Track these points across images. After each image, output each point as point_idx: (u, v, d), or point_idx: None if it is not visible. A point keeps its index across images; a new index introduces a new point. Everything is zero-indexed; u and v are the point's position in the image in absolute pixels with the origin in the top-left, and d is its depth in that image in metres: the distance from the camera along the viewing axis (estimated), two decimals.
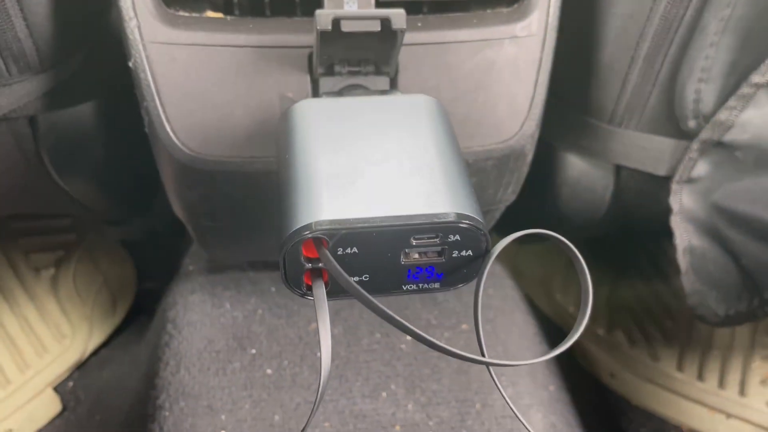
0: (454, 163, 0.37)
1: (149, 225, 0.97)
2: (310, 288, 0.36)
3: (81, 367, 0.91)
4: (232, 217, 0.55)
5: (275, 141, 0.41)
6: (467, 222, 0.34)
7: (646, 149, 0.64)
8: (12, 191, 0.62)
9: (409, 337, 0.72)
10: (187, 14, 0.48)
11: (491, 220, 0.64)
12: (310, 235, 0.33)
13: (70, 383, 0.89)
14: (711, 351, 0.97)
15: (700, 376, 0.95)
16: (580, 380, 0.89)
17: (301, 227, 0.33)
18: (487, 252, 0.36)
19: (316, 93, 0.49)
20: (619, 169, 0.68)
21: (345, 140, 0.38)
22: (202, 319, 0.71)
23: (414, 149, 0.38)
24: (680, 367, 0.96)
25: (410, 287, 0.37)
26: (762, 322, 0.99)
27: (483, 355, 0.34)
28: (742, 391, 0.94)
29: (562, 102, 0.65)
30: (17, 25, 0.51)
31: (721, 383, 0.94)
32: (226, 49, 0.47)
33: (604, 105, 0.63)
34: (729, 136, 0.59)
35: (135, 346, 0.87)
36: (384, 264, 0.35)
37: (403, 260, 0.35)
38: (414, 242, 0.34)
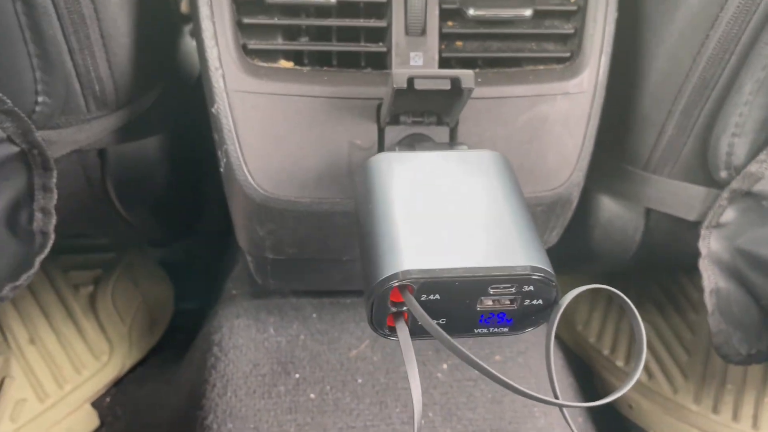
0: (524, 217, 0.41)
1: (188, 247, 1.00)
2: (391, 329, 0.39)
3: (118, 383, 0.93)
4: (294, 251, 0.59)
5: (354, 190, 0.45)
6: (541, 274, 0.37)
7: (678, 195, 0.67)
8: (73, 214, 0.66)
9: (445, 366, 0.75)
10: (264, 64, 0.52)
11: None
12: (398, 283, 0.36)
13: (108, 399, 0.92)
14: (725, 385, 1.00)
15: (715, 409, 0.98)
16: (600, 411, 0.91)
17: (390, 275, 0.37)
18: (556, 302, 0.39)
19: (382, 141, 0.52)
20: (649, 212, 0.72)
21: (423, 193, 0.41)
22: (247, 343, 0.74)
23: (487, 202, 0.41)
24: (697, 401, 0.98)
25: (481, 330, 0.40)
26: None
27: (556, 398, 0.38)
28: (755, 425, 0.96)
29: (599, 147, 0.69)
30: (101, 66, 0.55)
31: (735, 416, 0.97)
32: (301, 99, 0.51)
33: (639, 152, 0.66)
34: (758, 187, 0.63)
35: (172, 365, 0.90)
36: (461, 309, 0.39)
37: (478, 307, 0.39)
38: (491, 291, 0.38)
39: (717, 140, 0.61)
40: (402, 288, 0.37)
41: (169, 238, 0.87)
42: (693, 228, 0.70)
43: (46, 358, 0.93)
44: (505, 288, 0.38)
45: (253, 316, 0.76)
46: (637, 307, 1.09)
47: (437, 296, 0.37)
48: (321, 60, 0.54)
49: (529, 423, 0.70)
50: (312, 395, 0.70)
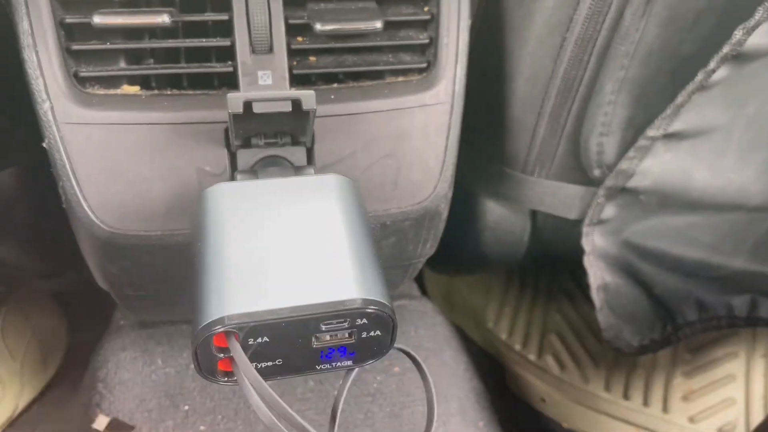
0: (362, 246, 0.39)
1: (81, 277, 0.95)
2: (225, 374, 0.37)
3: (12, 424, 0.88)
4: (155, 286, 0.56)
5: (191, 225, 0.42)
6: (373, 307, 0.36)
7: (557, 195, 0.67)
8: None
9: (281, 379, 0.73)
10: (102, 92, 0.49)
11: (414, 271, 0.66)
12: (220, 330, 0.34)
13: None
14: (636, 370, 1.02)
15: (626, 395, 1.00)
16: (512, 407, 0.92)
17: (211, 321, 0.34)
18: (395, 328, 0.38)
19: (234, 165, 0.50)
20: (535, 213, 0.72)
21: (256, 227, 0.39)
22: (134, 378, 0.71)
23: (324, 234, 0.39)
24: (608, 388, 1.00)
25: (324, 366, 0.39)
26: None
27: None
28: (665, 408, 0.99)
29: (481, 153, 0.69)
30: None
31: (646, 401, 0.99)
32: (141, 127, 0.48)
33: (516, 156, 0.66)
34: (632, 183, 0.63)
35: (68, 402, 0.85)
36: (296, 348, 0.37)
37: (314, 344, 0.37)
38: (324, 327, 0.36)
39: (587, 140, 0.61)
40: (227, 334, 0.35)
41: (49, 269, 0.83)
42: (578, 224, 0.70)
43: None
44: (338, 323, 0.36)
45: (141, 348, 0.73)
46: (547, 298, 1.11)
47: (266, 339, 0.35)
48: (171, 82, 0.51)
49: None
50: (202, 427, 0.68)
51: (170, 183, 0.49)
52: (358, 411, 0.71)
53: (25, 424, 0.88)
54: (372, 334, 0.37)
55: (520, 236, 0.73)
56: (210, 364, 0.36)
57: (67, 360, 0.94)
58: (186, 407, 0.69)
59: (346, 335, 0.37)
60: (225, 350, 0.35)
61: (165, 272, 0.54)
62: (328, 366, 0.39)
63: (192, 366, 0.73)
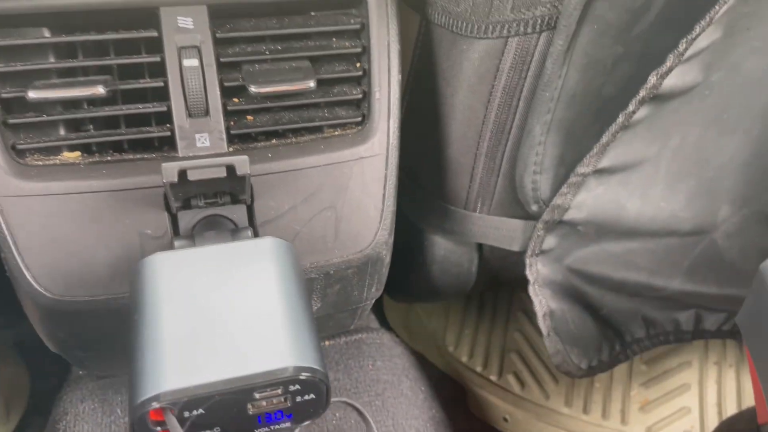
0: (296, 311, 0.41)
1: None
2: None
3: None
4: (104, 345, 0.57)
5: (129, 294, 0.44)
6: (305, 374, 0.38)
7: (499, 229, 0.70)
8: None
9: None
10: (41, 162, 0.50)
11: (364, 312, 0.68)
12: (155, 406, 0.36)
13: None
14: (594, 384, 1.05)
15: (586, 410, 1.03)
16: (474, 427, 0.94)
17: (147, 399, 0.36)
18: (328, 391, 0.40)
19: (176, 227, 0.51)
20: (481, 245, 0.75)
21: (192, 298, 0.41)
22: (94, 429, 0.71)
23: (258, 301, 0.41)
24: (568, 403, 1.03)
25: (263, 430, 0.40)
26: None
27: None
28: (624, 420, 1.02)
29: (425, 191, 0.71)
30: None
31: (605, 414, 1.02)
32: (81, 195, 0.49)
33: (458, 193, 0.68)
34: (568, 216, 0.66)
35: None
36: (233, 416, 0.38)
37: (250, 411, 0.38)
38: (258, 396, 0.38)
39: (521, 179, 0.64)
40: (163, 409, 0.36)
41: (11, 320, 0.83)
42: (520, 257, 0.72)
43: None
44: (272, 390, 0.38)
45: (99, 398, 0.73)
46: (506, 317, 1.13)
47: (201, 411, 0.37)
48: (111, 146, 0.52)
49: None
50: None
51: (112, 248, 0.50)
52: None
53: None
54: (306, 397, 0.39)
55: (468, 268, 0.76)
56: None
57: (30, 408, 0.94)
58: None
59: (282, 399, 0.39)
60: (162, 423, 0.37)
61: (112, 333, 0.55)
62: (266, 429, 0.40)
63: None
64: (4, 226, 0.48)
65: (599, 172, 0.62)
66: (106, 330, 0.54)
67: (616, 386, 1.06)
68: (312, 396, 0.39)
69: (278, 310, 0.40)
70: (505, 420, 1.01)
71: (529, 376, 1.05)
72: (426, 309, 1.11)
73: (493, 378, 1.04)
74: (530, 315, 1.13)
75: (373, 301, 0.65)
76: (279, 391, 0.38)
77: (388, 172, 0.55)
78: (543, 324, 0.73)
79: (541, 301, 0.72)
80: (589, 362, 0.77)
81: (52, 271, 0.49)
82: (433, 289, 0.79)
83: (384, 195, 0.56)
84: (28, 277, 0.49)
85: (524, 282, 0.76)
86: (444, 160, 0.67)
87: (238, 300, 0.41)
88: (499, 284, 0.84)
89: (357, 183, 0.55)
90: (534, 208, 0.66)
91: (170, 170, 0.44)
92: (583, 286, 0.77)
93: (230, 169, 0.46)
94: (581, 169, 0.62)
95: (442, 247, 0.75)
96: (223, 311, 0.40)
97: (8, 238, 0.48)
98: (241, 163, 0.46)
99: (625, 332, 0.83)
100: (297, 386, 0.38)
